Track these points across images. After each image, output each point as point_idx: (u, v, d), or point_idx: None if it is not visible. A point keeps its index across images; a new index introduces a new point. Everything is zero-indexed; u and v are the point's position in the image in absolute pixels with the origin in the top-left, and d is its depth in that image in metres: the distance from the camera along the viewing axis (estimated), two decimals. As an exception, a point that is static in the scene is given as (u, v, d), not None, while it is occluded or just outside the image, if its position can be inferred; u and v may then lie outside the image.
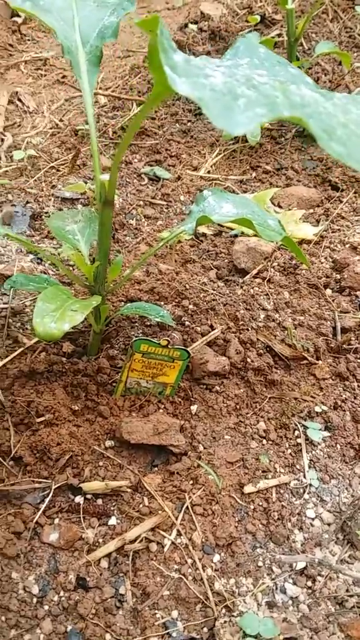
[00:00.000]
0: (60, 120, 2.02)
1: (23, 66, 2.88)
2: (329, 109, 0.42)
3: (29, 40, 3.13)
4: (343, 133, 0.39)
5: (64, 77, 2.73)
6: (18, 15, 3.30)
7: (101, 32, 0.88)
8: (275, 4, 2.19)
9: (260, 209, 0.96)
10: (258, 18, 2.06)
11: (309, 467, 0.94)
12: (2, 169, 1.76)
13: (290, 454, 0.96)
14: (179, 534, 0.84)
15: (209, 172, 1.60)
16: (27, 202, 1.50)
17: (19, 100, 2.48)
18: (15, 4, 0.84)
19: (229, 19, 2.14)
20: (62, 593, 0.78)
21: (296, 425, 0.99)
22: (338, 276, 1.23)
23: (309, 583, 0.82)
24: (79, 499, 0.88)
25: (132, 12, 0.89)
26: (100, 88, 2.18)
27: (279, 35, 2.06)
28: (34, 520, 0.85)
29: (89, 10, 0.89)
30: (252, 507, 0.88)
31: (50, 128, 2.01)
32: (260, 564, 0.83)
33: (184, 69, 0.45)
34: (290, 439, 0.98)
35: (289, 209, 1.42)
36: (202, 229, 1.38)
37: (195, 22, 2.18)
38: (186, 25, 2.19)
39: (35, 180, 1.62)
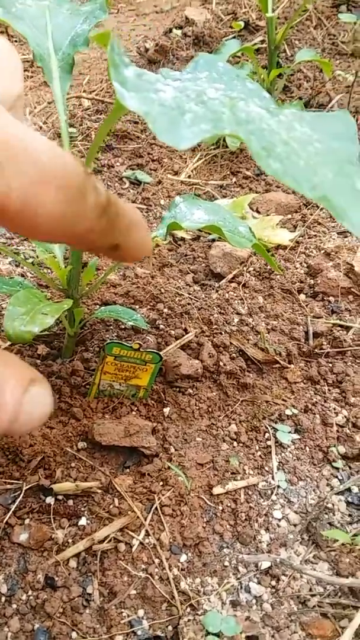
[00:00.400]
0: (44, 123, 2.03)
1: (10, 67, 2.88)
2: (272, 125, 0.43)
3: (15, 41, 3.13)
4: (282, 150, 0.41)
5: (50, 79, 2.74)
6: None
7: (73, 40, 0.89)
8: (259, 10, 2.22)
9: (232, 216, 0.98)
10: (242, 24, 2.09)
11: (278, 469, 0.96)
12: (-16, 171, 1.76)
13: (260, 456, 0.98)
14: (147, 534, 0.86)
15: (189, 176, 1.62)
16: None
17: (5, 101, 2.48)
18: (-12, 11, 0.85)
19: (213, 24, 2.16)
20: (30, 592, 0.80)
21: (267, 427, 1.01)
22: (312, 281, 1.25)
23: (273, 582, 0.83)
24: (49, 500, 0.89)
25: (104, 20, 0.91)
26: (84, 91, 2.19)
27: (262, 41, 2.09)
28: (4, 521, 0.86)
29: (62, 18, 0.91)
30: (220, 508, 0.90)
31: (34, 130, 2.02)
32: (226, 563, 0.85)
33: (134, 84, 0.46)
34: (261, 441, 1.00)
35: (267, 215, 1.44)
36: (181, 234, 1.40)
37: (180, 27, 2.20)
38: (170, 30, 2.21)
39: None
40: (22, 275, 1.27)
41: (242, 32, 2.13)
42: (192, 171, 1.63)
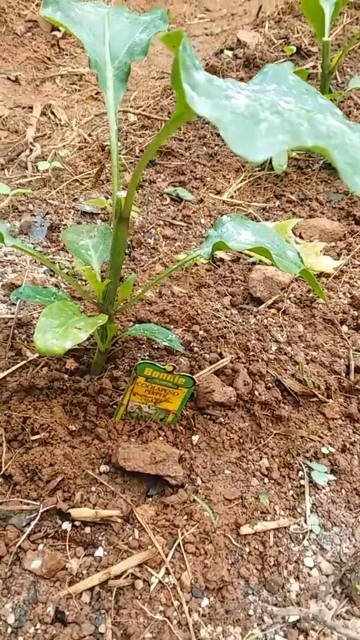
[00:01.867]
0: (89, 135, 2.03)
1: (59, 80, 2.92)
2: (354, 141, 0.39)
3: (66, 54, 3.19)
4: (369, 166, 0.36)
5: (97, 93, 2.76)
6: (58, 30, 3.37)
7: (131, 49, 0.86)
8: (312, 36, 2.19)
9: (280, 239, 0.93)
10: (294, 49, 2.06)
11: (311, 511, 0.89)
12: (27, 179, 1.76)
13: (292, 495, 0.91)
14: (167, 572, 0.80)
15: (232, 197, 1.58)
16: (47, 213, 1.49)
17: (52, 113, 2.51)
18: (46, 13, 0.83)
19: (264, 47, 2.14)
20: (38, 625, 0.74)
21: (301, 465, 0.95)
22: (355, 313, 1.19)
23: (301, 637, 0.76)
24: (66, 526, 0.84)
25: (163, 30, 0.88)
26: (131, 106, 2.19)
27: (314, 67, 2.06)
28: (17, 545, 0.81)
29: (121, 26, 0.88)
30: (247, 550, 0.83)
31: (79, 142, 2.01)
32: (251, 612, 0.78)
33: (205, 89, 0.42)
34: (294, 479, 0.93)
35: (310, 241, 1.39)
36: (221, 254, 1.35)
37: (231, 49, 2.19)
38: (221, 51, 2.19)
39: (58, 191, 1.62)
40: (56, 286, 1.24)
41: (294, 57, 2.10)
42: (234, 192, 1.59)
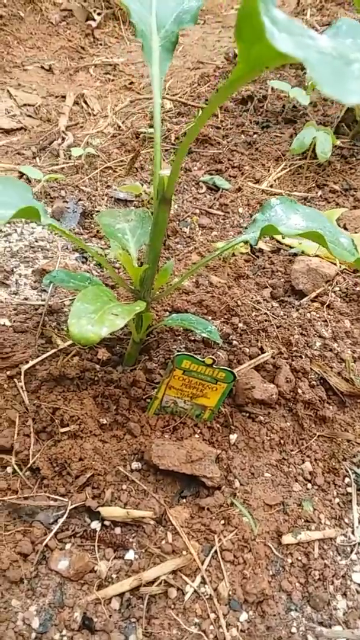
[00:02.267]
0: (123, 122, 1.98)
1: (92, 69, 2.88)
2: None
3: (100, 44, 3.15)
4: None
5: (131, 83, 2.72)
6: (93, 19, 3.33)
7: (179, 17, 0.80)
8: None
9: (332, 224, 0.86)
10: (338, 34, 1.98)
11: (359, 522, 0.82)
12: (59, 166, 1.72)
13: (338, 504, 0.84)
14: (203, 581, 0.74)
15: (271, 186, 1.51)
16: (79, 200, 1.44)
17: (85, 102, 2.47)
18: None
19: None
20: (64, 632, 0.69)
21: (347, 471, 0.87)
22: None
23: (349, 662, 0.69)
24: (95, 525, 0.79)
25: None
26: (167, 94, 2.13)
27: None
28: (44, 543, 0.76)
29: (168, -7, 0.82)
30: (289, 561, 0.77)
31: (113, 129, 1.96)
32: (293, 630, 0.71)
33: (285, 26, 0.36)
34: (339, 486, 0.86)
35: (356, 232, 1.31)
36: (260, 244, 1.28)
37: (272, 35, 2.11)
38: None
39: (91, 178, 1.57)
40: (88, 273, 1.19)
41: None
42: (274, 180, 1.52)
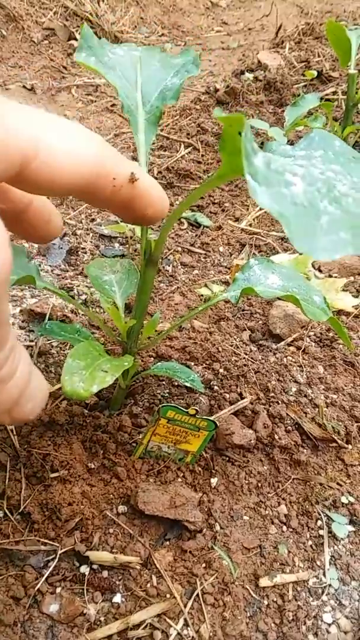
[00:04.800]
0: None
1: (74, 90, 2.92)
2: None
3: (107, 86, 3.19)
4: None
5: (113, 105, 2.76)
6: (75, 39, 3.37)
7: (162, 93, 0.86)
8: (334, 60, 2.20)
9: (306, 282, 0.93)
10: (315, 73, 2.06)
11: (330, 564, 0.88)
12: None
13: (310, 546, 0.90)
14: (186, 624, 0.79)
15: (250, 225, 1.58)
16: (65, 235, 1.48)
17: (67, 124, 2.51)
18: (80, 59, 0.83)
19: (285, 70, 2.14)
20: (55, 675, 0.73)
21: (319, 514, 0.94)
22: (376, 354, 1.19)
23: None
24: (84, 569, 0.84)
25: (194, 74, 0.88)
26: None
27: (334, 92, 2.06)
28: (36, 587, 0.80)
29: (153, 70, 0.88)
30: (265, 602, 0.83)
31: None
32: (268, 668, 0.77)
33: (264, 176, 0.42)
34: (312, 529, 0.92)
35: (330, 275, 1.38)
36: (239, 285, 1.35)
37: (252, 70, 2.19)
38: (242, 72, 2.19)
39: (76, 212, 1.61)
40: (74, 312, 1.23)
41: (314, 82, 2.10)
42: (253, 220, 1.59)
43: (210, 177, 0.59)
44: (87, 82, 3.00)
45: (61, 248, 1.42)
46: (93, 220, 1.59)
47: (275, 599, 0.83)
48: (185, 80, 0.89)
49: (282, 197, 0.42)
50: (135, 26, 3.64)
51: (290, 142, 1.88)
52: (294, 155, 0.57)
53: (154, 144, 1.94)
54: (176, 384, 1.07)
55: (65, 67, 3.11)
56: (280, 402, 1.04)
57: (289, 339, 1.18)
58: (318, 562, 0.88)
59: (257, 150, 0.47)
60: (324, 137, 0.63)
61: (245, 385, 1.06)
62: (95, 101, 2.83)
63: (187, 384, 0.97)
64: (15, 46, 3.12)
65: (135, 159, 1.87)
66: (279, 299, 1.23)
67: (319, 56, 2.22)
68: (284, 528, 0.92)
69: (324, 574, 0.87)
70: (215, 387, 1.06)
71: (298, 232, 0.39)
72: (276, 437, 1.00)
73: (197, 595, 0.82)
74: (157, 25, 3.74)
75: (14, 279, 0.76)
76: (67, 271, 1.37)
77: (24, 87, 2.85)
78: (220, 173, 0.62)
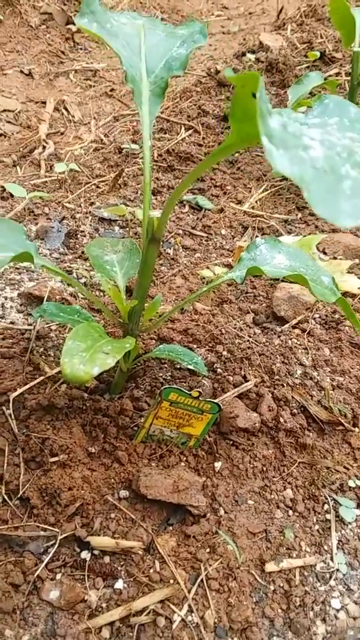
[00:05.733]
0: (106, 136, 1.99)
1: (72, 75, 2.87)
2: None
3: (81, 49, 3.14)
4: None
5: (112, 90, 2.72)
6: (73, 23, 3.31)
7: (168, 64, 0.83)
8: (337, 41, 2.15)
9: (314, 262, 0.90)
10: (318, 54, 2.02)
11: (338, 548, 0.86)
12: (41, 179, 1.72)
13: (317, 530, 0.88)
14: (190, 610, 0.77)
15: (253, 207, 1.54)
16: (64, 218, 1.45)
17: (65, 109, 2.47)
18: (82, 23, 0.80)
19: (287, 51, 2.10)
20: (56, 662, 0.71)
21: (326, 498, 0.92)
22: (382, 337, 1.16)
23: None
24: (85, 554, 0.81)
25: (203, 45, 0.84)
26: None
27: (337, 74, 2.02)
28: (35, 574, 0.78)
29: (157, 39, 0.84)
30: (272, 588, 0.81)
31: (95, 142, 1.97)
32: (275, 655, 0.75)
33: (281, 139, 0.39)
34: (319, 513, 0.90)
35: (335, 257, 1.35)
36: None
37: (253, 52, 2.14)
38: (243, 54, 2.15)
39: (74, 195, 1.58)
40: (73, 296, 1.21)
41: (317, 63, 2.06)
42: (256, 202, 1.56)
43: (218, 147, 0.56)
44: (86, 67, 2.95)
45: (60, 231, 1.39)
46: (92, 203, 1.55)
47: (281, 584, 0.81)
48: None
49: (301, 160, 0.39)
50: (135, 10, 3.58)
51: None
52: (307, 123, 0.53)
53: (154, 126, 1.90)
54: (178, 366, 1.04)
55: (63, 52, 3.06)
56: (285, 384, 1.02)
57: (294, 321, 1.15)
58: (325, 547, 0.86)
59: (272, 112, 0.43)
60: (338, 103, 0.59)
61: (250, 368, 1.04)
62: (93, 86, 2.78)
63: (190, 367, 0.95)
64: (13, 31, 3.06)
65: (135, 141, 1.84)
66: (284, 280, 1.21)
67: (321, 37, 2.18)
68: (290, 512, 0.90)
69: (332, 559, 0.84)
70: (219, 370, 1.03)
71: (319, 197, 0.36)
72: (281, 420, 0.97)
73: (202, 580, 0.79)
74: (156, 9, 3.68)
75: (10, 256, 0.73)
76: (66, 254, 1.34)
77: (21, 72, 2.81)
78: (229, 142, 0.58)
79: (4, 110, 2.46)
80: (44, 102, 2.54)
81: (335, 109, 0.55)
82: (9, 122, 2.39)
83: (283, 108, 1.73)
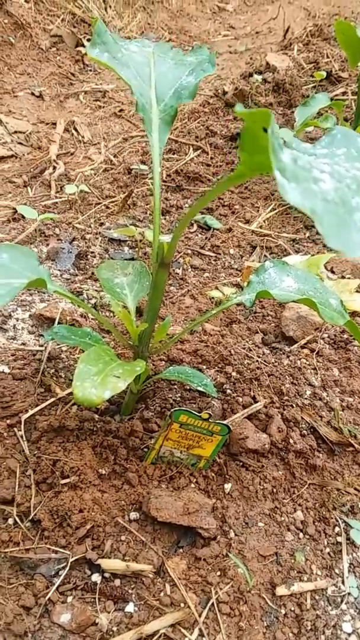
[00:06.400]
0: (115, 156, 2.02)
1: (82, 96, 2.92)
2: None
3: (90, 71, 3.20)
4: None
5: (121, 110, 2.76)
6: (82, 46, 3.38)
7: (177, 92, 0.85)
8: (343, 61, 2.18)
9: (322, 285, 0.91)
10: (324, 74, 2.04)
11: (349, 572, 0.86)
12: (51, 200, 1.75)
13: (328, 553, 0.88)
14: (201, 634, 0.77)
15: (261, 227, 1.56)
16: (74, 239, 1.47)
17: (75, 129, 2.51)
18: (93, 55, 0.82)
19: (294, 72, 2.13)
20: None
21: (337, 520, 0.91)
22: (391, 356, 1.16)
23: None
24: (96, 577, 0.82)
25: (211, 73, 0.86)
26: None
27: (344, 93, 2.04)
28: (47, 596, 0.78)
29: (167, 68, 0.87)
30: (283, 612, 0.80)
31: (104, 162, 2.00)
32: None
33: (292, 172, 0.40)
34: (330, 535, 0.90)
35: (343, 276, 1.36)
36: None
37: (260, 72, 2.17)
38: (251, 75, 2.18)
39: (84, 216, 1.60)
40: (84, 317, 1.22)
41: (323, 82, 2.09)
42: (264, 221, 1.57)
43: (226, 176, 0.57)
44: (95, 88, 3.00)
45: (70, 252, 1.41)
46: (102, 224, 1.58)
47: (292, 608, 0.81)
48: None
49: (312, 193, 0.40)
50: (143, 31, 3.64)
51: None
52: (315, 154, 0.55)
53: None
54: (188, 388, 1.05)
55: (73, 74, 3.12)
56: (294, 405, 1.02)
57: (303, 341, 1.16)
58: (336, 570, 0.85)
59: (282, 146, 0.45)
60: (346, 135, 0.61)
61: (259, 389, 1.04)
62: (103, 107, 2.83)
63: (200, 389, 0.96)
64: (24, 53, 3.13)
65: (144, 162, 1.86)
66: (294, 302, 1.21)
67: (327, 57, 2.20)
68: (301, 535, 0.90)
69: (343, 582, 0.84)
70: (228, 391, 1.04)
71: (331, 229, 0.37)
72: (291, 441, 0.98)
73: (212, 604, 0.79)
74: (164, 30, 3.75)
75: (24, 282, 0.74)
76: (77, 275, 1.36)
77: (32, 93, 2.86)
78: (239, 172, 0.60)
79: (16, 132, 2.51)
80: (54, 123, 2.59)
81: (342, 139, 0.57)
82: (20, 143, 2.43)
83: (290, 129, 1.76)
